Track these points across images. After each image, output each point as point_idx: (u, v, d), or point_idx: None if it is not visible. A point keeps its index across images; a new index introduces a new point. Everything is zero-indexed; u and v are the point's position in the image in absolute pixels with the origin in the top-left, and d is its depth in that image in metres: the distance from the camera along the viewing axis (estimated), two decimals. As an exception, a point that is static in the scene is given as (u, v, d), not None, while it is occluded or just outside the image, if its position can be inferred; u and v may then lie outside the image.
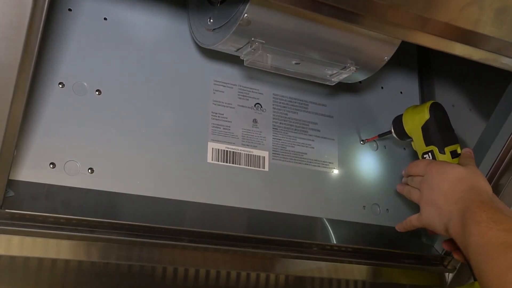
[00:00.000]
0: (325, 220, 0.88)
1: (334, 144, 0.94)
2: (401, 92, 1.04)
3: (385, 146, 0.99)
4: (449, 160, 0.79)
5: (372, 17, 0.61)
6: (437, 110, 0.81)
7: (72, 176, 0.72)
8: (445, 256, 0.92)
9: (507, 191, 0.85)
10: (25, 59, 0.53)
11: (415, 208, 0.97)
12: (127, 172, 0.76)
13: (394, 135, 0.87)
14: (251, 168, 0.85)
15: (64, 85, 0.75)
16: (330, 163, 0.92)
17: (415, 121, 0.82)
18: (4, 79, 0.53)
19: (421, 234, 0.96)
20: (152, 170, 0.78)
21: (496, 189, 0.85)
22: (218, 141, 0.83)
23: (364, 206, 0.93)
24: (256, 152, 0.86)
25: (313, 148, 0.91)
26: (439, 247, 0.92)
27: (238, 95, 0.87)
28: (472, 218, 0.62)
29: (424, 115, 0.81)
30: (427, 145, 0.81)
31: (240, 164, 0.84)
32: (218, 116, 0.85)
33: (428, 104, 0.81)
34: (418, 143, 0.82)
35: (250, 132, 0.87)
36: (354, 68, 0.76)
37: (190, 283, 0.76)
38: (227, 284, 0.78)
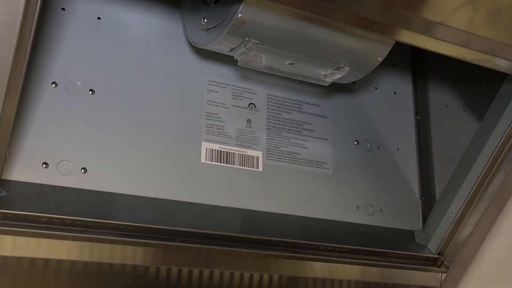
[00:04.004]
0: (318, 220, 0.88)
1: (328, 144, 0.94)
2: (395, 93, 1.04)
3: (378, 146, 0.99)
4: None
5: (366, 18, 0.61)
6: None
7: (65, 176, 0.72)
8: (438, 256, 0.92)
9: (500, 191, 0.85)
10: (17, 58, 0.53)
11: (408, 208, 0.98)
12: (120, 172, 0.76)
13: None
14: (245, 168, 0.85)
15: (57, 84, 0.74)
16: (324, 163, 0.92)
17: None
18: (-3, 78, 0.53)
19: (415, 235, 0.96)
20: (145, 170, 0.78)
21: (489, 190, 0.85)
22: (212, 141, 0.83)
23: (357, 207, 0.93)
24: (250, 152, 0.86)
25: (307, 148, 0.91)
26: (433, 248, 0.92)
27: (232, 95, 0.87)
28: None
29: None
30: None
31: (234, 164, 0.84)
32: (212, 116, 0.85)
33: None
34: None
35: (244, 132, 0.86)
36: (348, 69, 0.76)
37: (183, 283, 0.75)
38: (221, 284, 0.78)
